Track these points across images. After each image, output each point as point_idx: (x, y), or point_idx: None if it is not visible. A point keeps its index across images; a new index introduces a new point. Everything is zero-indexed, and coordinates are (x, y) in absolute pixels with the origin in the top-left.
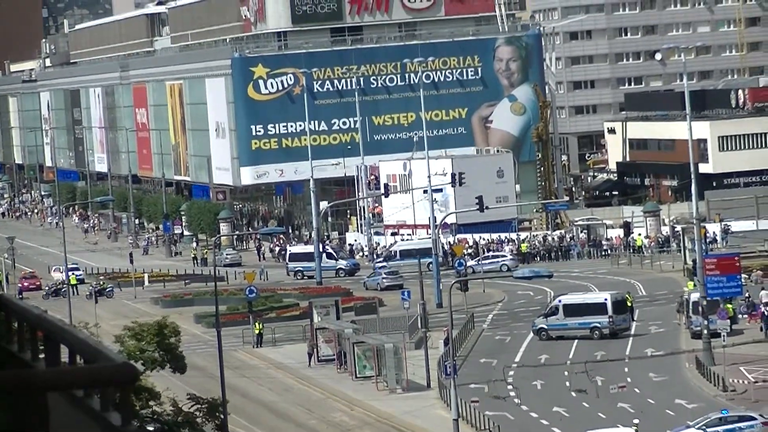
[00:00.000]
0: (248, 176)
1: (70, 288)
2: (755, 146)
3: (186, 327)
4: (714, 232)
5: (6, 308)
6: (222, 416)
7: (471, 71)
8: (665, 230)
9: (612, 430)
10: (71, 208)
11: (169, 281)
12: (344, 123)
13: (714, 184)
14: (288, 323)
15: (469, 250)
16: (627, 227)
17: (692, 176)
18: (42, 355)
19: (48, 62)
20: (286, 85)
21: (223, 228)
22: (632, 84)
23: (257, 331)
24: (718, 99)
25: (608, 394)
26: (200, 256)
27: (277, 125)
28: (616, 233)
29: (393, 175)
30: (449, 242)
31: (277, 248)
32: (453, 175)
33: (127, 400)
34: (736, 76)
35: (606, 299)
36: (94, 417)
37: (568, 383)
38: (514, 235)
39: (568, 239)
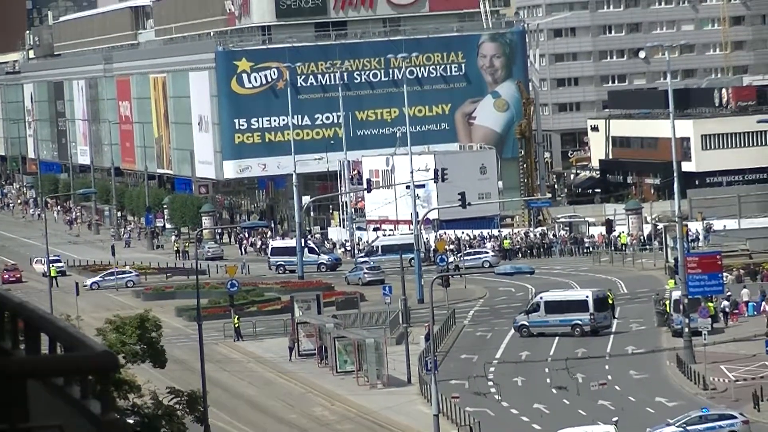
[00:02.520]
0: (231, 170)
1: (51, 280)
2: (738, 145)
3: (167, 320)
4: (696, 231)
5: None
6: (202, 409)
7: (455, 67)
8: (647, 228)
9: (592, 428)
10: (53, 201)
11: (151, 274)
12: (327, 118)
13: (696, 183)
14: (269, 317)
15: (451, 246)
16: (609, 225)
17: (675, 174)
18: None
19: (32, 54)
20: (269, 80)
21: (206, 222)
22: (616, 82)
23: (235, 325)
24: (702, 97)
25: (589, 391)
26: (182, 249)
27: (260, 119)
28: (598, 231)
29: (376, 170)
30: (435, 237)
31: (259, 242)
32: (436, 171)
33: (107, 389)
34: (719, 75)
35: (587, 296)
36: (74, 405)
37: (548, 380)
38: (496, 232)
39: (551, 236)
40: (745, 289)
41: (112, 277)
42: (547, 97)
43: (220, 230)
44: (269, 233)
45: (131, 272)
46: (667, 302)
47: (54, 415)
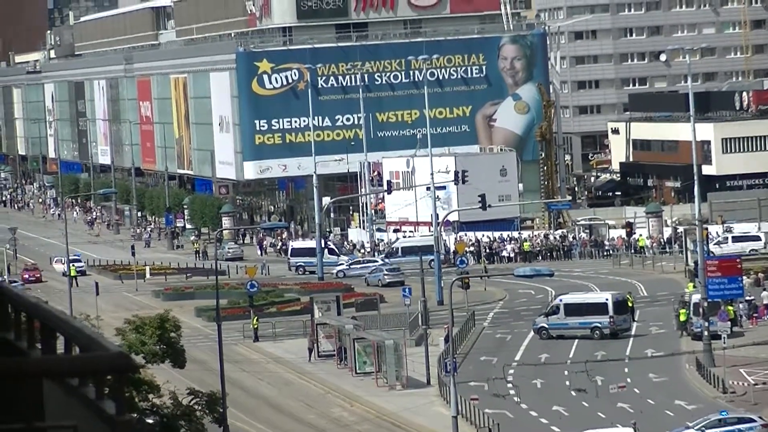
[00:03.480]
0: (251, 171)
1: (71, 279)
2: (758, 149)
3: (186, 320)
4: (716, 234)
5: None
6: (221, 410)
7: (475, 69)
8: (667, 231)
9: (611, 430)
10: (74, 200)
11: (171, 274)
12: (348, 119)
13: (717, 186)
14: (289, 318)
15: (471, 248)
16: (629, 228)
17: (695, 178)
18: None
19: (53, 54)
20: (290, 81)
21: (226, 222)
22: (636, 84)
23: (254, 326)
24: (722, 101)
25: (608, 394)
26: (201, 250)
27: (280, 120)
28: (618, 234)
29: (396, 171)
30: (455, 239)
31: (279, 243)
32: (456, 173)
33: (121, 389)
34: (740, 78)
35: (607, 299)
36: (89, 405)
37: (567, 382)
38: (516, 234)
39: (570, 239)
40: (765, 292)
41: None
42: (568, 99)
43: (242, 231)
44: (284, 234)
45: None
46: (683, 311)
47: (69, 415)
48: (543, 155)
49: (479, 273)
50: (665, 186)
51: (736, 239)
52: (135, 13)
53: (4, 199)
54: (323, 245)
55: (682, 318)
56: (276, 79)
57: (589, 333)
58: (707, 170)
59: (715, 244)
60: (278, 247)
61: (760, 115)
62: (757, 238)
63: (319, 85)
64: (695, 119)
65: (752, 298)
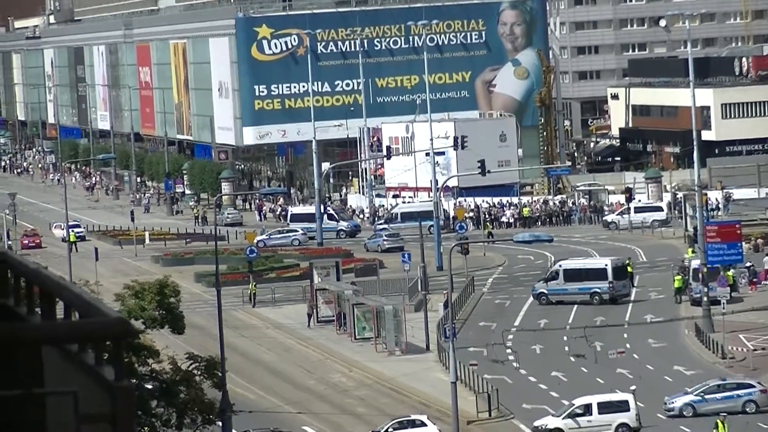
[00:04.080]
0: (251, 136)
1: (70, 245)
2: (758, 114)
3: (186, 286)
4: (716, 200)
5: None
6: (220, 374)
7: (475, 35)
8: (667, 197)
9: (610, 396)
10: (73, 166)
11: (170, 240)
12: (347, 85)
13: (716, 152)
14: (288, 284)
15: (470, 214)
16: (629, 193)
17: (695, 143)
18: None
19: (52, 19)
20: (289, 46)
21: (225, 188)
22: (636, 50)
23: (251, 291)
24: (722, 66)
25: (607, 360)
26: (201, 215)
27: (280, 86)
28: (618, 199)
29: (395, 137)
30: (454, 205)
31: (279, 209)
32: (455, 139)
33: (120, 355)
34: (740, 44)
35: (606, 265)
36: (88, 371)
37: (567, 348)
38: (515, 199)
39: (570, 204)
40: (767, 257)
41: None
42: (568, 65)
43: (243, 196)
44: (280, 200)
45: None
46: (677, 278)
47: (68, 381)
48: (542, 121)
49: (481, 239)
50: (664, 151)
51: (638, 210)
52: None
53: (3, 164)
54: (323, 211)
55: (677, 285)
56: (275, 44)
57: (588, 298)
58: (706, 136)
59: (618, 215)
60: (278, 213)
61: (760, 80)
62: (659, 209)
63: (319, 51)
64: (695, 85)
65: (751, 264)
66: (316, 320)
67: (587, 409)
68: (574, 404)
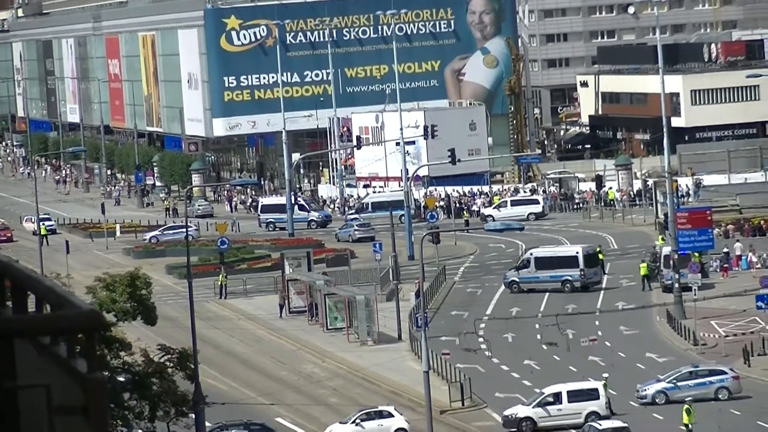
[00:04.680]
0: (220, 128)
1: (41, 238)
2: (727, 100)
3: (157, 278)
4: (686, 186)
5: None
6: (192, 366)
7: (444, 24)
8: (637, 184)
9: (580, 384)
10: (43, 159)
11: (141, 232)
12: (317, 75)
13: (686, 138)
14: (259, 275)
15: (441, 203)
16: (599, 181)
17: (664, 130)
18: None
19: (21, 12)
20: (258, 37)
21: (196, 179)
22: (605, 37)
23: (220, 282)
24: (691, 53)
25: (579, 348)
26: (172, 207)
27: (249, 77)
28: (588, 187)
29: (365, 127)
30: (425, 194)
31: (249, 199)
32: (425, 128)
33: (93, 347)
34: (708, 30)
35: (577, 252)
36: (60, 364)
37: (539, 336)
38: (486, 188)
39: (540, 192)
40: (737, 243)
41: None
42: (537, 53)
43: (213, 188)
44: (248, 190)
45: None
46: (642, 265)
47: (41, 374)
48: (512, 109)
49: (452, 227)
50: (634, 138)
51: (514, 203)
52: None
53: None
54: (293, 201)
55: (643, 272)
56: (244, 35)
57: (559, 286)
58: (676, 122)
59: (494, 208)
60: (248, 204)
61: (729, 66)
62: (535, 202)
63: (288, 41)
64: (664, 71)
65: (727, 250)
66: (288, 311)
67: (557, 398)
68: (544, 393)
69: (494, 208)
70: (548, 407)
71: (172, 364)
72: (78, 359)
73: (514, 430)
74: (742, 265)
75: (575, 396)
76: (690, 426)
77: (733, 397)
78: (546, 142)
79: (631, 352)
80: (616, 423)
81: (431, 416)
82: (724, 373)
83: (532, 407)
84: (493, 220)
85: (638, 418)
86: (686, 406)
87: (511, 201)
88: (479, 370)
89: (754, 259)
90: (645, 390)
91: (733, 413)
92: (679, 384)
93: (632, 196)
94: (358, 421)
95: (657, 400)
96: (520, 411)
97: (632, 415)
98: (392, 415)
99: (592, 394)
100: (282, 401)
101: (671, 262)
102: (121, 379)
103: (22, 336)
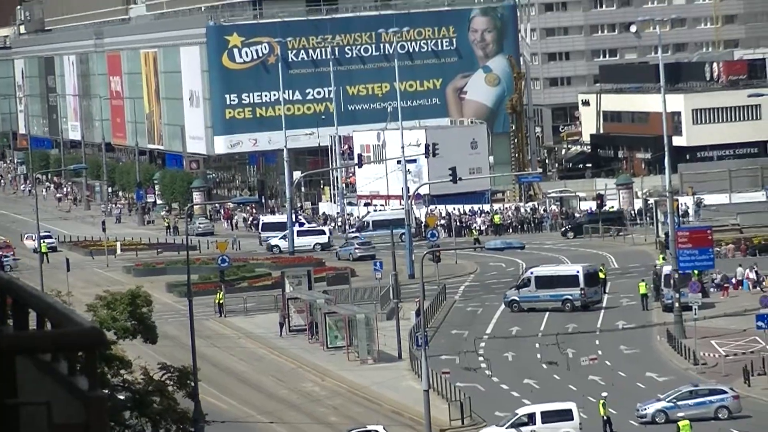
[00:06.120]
0: (222, 145)
1: (42, 256)
2: (729, 120)
3: (158, 296)
4: (686, 205)
5: None
6: (193, 384)
7: (446, 42)
8: (638, 203)
9: (554, 405)
10: (44, 176)
11: (142, 250)
12: (318, 93)
13: (687, 157)
14: (260, 293)
15: (442, 221)
16: (600, 200)
17: (666, 149)
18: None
19: (23, 29)
20: (260, 55)
21: (197, 197)
22: (607, 56)
23: (218, 301)
24: (693, 72)
25: (579, 367)
26: (172, 225)
27: (251, 94)
28: (589, 205)
29: (367, 145)
30: (426, 212)
31: (251, 218)
32: (427, 146)
33: (93, 365)
34: (710, 49)
35: (578, 271)
36: (61, 381)
37: (539, 355)
38: (487, 207)
39: (541, 211)
40: (740, 268)
41: None
42: (538, 71)
43: (217, 206)
44: (248, 208)
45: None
46: (641, 284)
47: (41, 391)
48: (513, 127)
49: (452, 246)
50: (636, 157)
51: (301, 233)
52: None
53: None
54: (294, 219)
55: (642, 291)
56: (246, 53)
57: (560, 305)
58: (677, 141)
59: (281, 238)
60: (249, 222)
61: (730, 85)
62: (321, 232)
63: (290, 59)
64: (665, 90)
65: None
66: (288, 329)
67: (531, 419)
68: (517, 413)
69: (280, 238)
70: (522, 428)
71: (172, 383)
72: (79, 377)
73: None
74: (744, 288)
75: (549, 417)
76: None
77: (733, 417)
78: (547, 160)
79: (632, 372)
80: None
81: None
82: (725, 392)
83: (506, 428)
84: (279, 250)
85: None
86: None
87: (297, 231)
88: (479, 388)
89: (752, 276)
90: (645, 409)
91: None
92: (679, 403)
93: (633, 215)
94: None
95: (657, 419)
96: None
97: None
98: None
99: (565, 415)
100: (282, 419)
101: (672, 282)
102: (122, 397)
103: (23, 353)
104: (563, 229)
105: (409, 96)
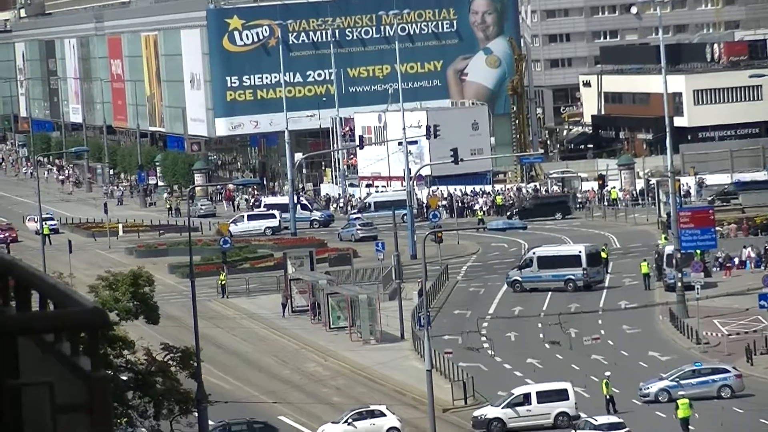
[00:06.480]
0: (223, 127)
1: (44, 238)
2: (730, 100)
3: (160, 277)
4: (688, 185)
5: None
6: (195, 365)
7: (446, 24)
8: (640, 183)
9: (549, 384)
10: (46, 159)
11: (144, 231)
12: (319, 75)
13: (689, 138)
14: (262, 274)
15: (444, 202)
16: (602, 180)
17: (667, 130)
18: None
19: (23, 13)
20: (261, 37)
21: (198, 179)
22: (608, 37)
23: (221, 282)
24: (694, 53)
25: (582, 346)
26: (174, 207)
27: (252, 77)
28: (591, 186)
29: (368, 127)
30: (427, 193)
31: (252, 199)
32: (428, 128)
33: (96, 345)
34: (711, 30)
35: (580, 251)
36: (64, 362)
37: (541, 335)
38: (488, 188)
39: (543, 192)
40: (745, 248)
41: None
42: (539, 53)
43: (219, 187)
44: (243, 190)
45: None
46: (643, 264)
47: (44, 372)
48: (515, 109)
49: (454, 227)
50: (637, 138)
51: (251, 217)
52: None
53: None
54: (296, 201)
55: (644, 270)
56: (247, 35)
57: (562, 285)
58: (679, 122)
59: (232, 222)
60: (251, 204)
61: (731, 66)
62: (272, 216)
63: (290, 41)
64: (666, 71)
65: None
66: (291, 310)
67: (526, 399)
68: (513, 393)
69: (232, 222)
70: (517, 408)
71: (175, 363)
72: (81, 357)
73: (484, 430)
74: (746, 268)
75: (545, 397)
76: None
77: (735, 396)
78: (549, 141)
79: (634, 351)
80: (612, 419)
81: (434, 415)
82: (727, 371)
83: (502, 408)
84: (231, 235)
85: (641, 416)
86: (679, 402)
87: (248, 215)
88: (482, 368)
89: (753, 255)
90: (648, 388)
91: (735, 411)
92: (681, 382)
93: (635, 195)
94: (350, 420)
95: (660, 398)
96: (490, 412)
97: (635, 413)
98: (384, 415)
99: (561, 395)
100: (285, 400)
101: (674, 261)
102: (125, 377)
103: (25, 333)
104: (509, 213)
105: (410, 78)
